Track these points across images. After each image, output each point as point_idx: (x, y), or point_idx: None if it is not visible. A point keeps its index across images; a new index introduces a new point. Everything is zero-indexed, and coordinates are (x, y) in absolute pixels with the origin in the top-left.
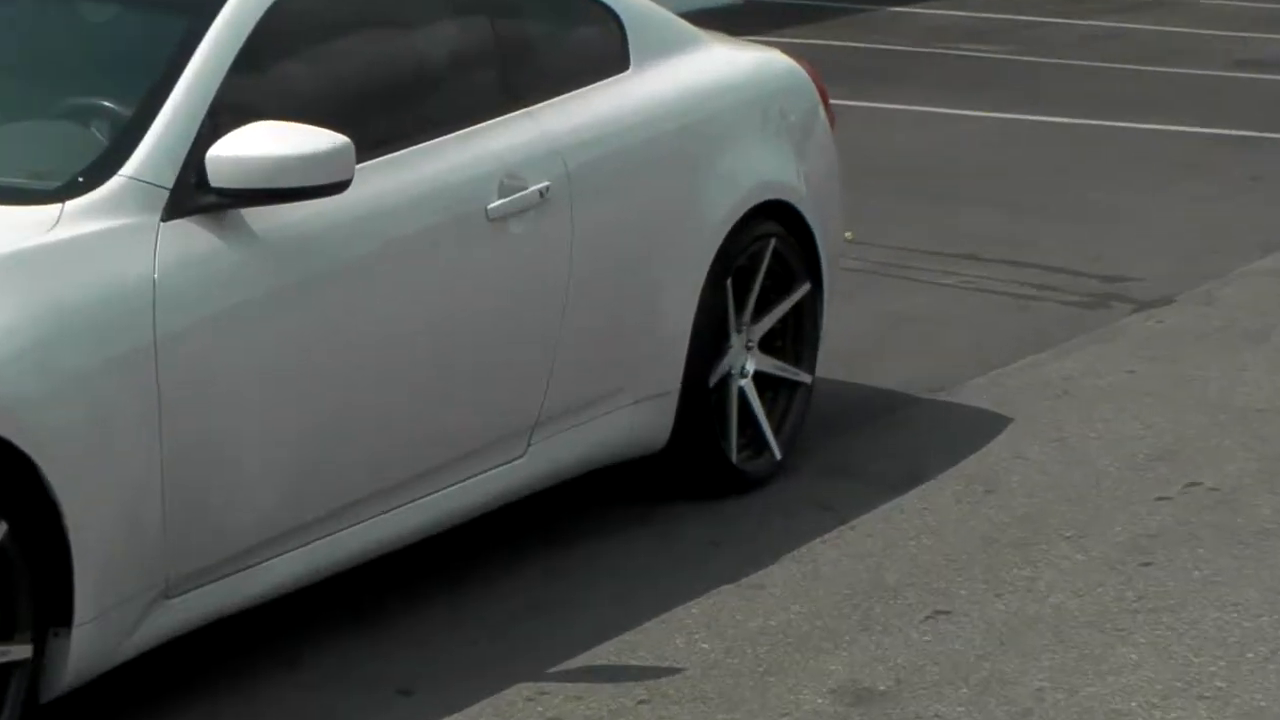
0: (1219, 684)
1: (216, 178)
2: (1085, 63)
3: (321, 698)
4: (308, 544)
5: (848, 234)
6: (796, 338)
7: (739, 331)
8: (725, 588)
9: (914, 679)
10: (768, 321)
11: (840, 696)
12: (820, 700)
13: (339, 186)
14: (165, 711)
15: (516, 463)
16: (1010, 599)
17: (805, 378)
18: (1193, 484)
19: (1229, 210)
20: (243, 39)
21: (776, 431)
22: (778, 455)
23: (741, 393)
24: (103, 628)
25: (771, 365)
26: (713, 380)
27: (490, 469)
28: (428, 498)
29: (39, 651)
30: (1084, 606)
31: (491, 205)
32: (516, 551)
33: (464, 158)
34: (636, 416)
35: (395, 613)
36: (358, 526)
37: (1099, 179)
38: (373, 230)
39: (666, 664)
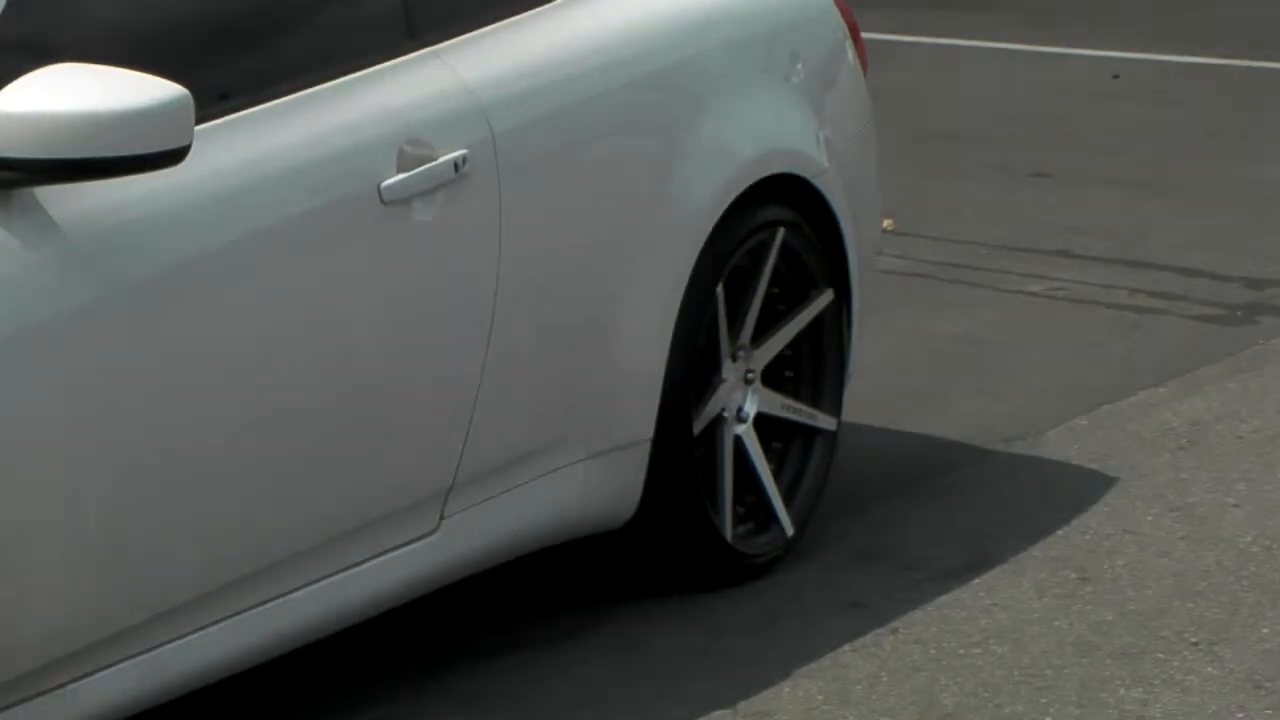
0: None
1: None
2: None
3: None
4: (127, 660)
5: (887, 222)
6: (815, 367)
7: (735, 359)
8: (718, 715)
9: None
10: (775, 345)
11: None
12: None
13: (172, 156)
14: None
15: (425, 541)
16: None
17: (828, 423)
18: None
19: None
20: None
21: (787, 498)
22: (789, 530)
23: (739, 443)
24: None
25: (781, 406)
26: (698, 427)
27: (387, 551)
28: (296, 593)
29: None
30: None
31: (386, 183)
32: (424, 674)
33: (347, 116)
34: (591, 478)
35: None
36: (196, 636)
37: (1254, 145)
38: (217, 219)
39: None
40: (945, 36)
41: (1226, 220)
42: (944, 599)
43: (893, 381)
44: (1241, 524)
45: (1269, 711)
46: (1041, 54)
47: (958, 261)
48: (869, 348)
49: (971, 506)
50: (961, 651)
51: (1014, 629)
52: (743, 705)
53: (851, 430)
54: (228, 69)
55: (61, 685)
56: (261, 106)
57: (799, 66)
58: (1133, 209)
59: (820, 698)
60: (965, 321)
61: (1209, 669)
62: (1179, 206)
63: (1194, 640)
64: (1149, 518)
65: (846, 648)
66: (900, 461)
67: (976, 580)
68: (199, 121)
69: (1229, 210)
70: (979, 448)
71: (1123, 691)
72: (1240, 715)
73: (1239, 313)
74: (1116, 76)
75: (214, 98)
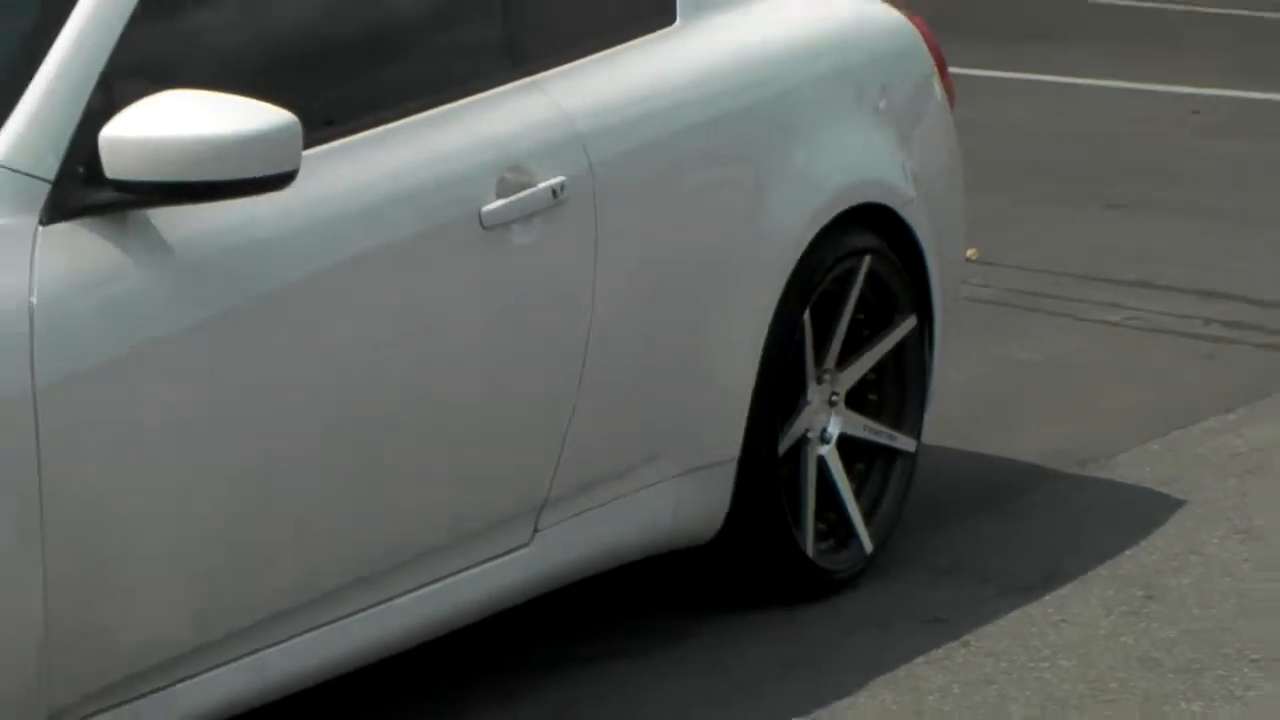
0: None
1: (114, 167)
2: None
3: None
4: (232, 662)
5: (971, 251)
6: (898, 391)
7: (820, 382)
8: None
9: None
10: (859, 368)
11: None
12: None
13: (281, 180)
14: None
15: (520, 553)
16: None
17: (908, 444)
18: None
19: None
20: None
21: (868, 516)
22: (868, 547)
23: (821, 463)
24: None
25: (863, 427)
26: (783, 447)
27: (483, 562)
28: (396, 601)
29: None
30: None
31: (486, 208)
32: (514, 688)
33: (449, 143)
34: (680, 494)
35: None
36: (300, 640)
37: (1236, 175)
38: (323, 242)
39: None
40: (1035, 72)
41: (1264, 245)
42: (1015, 614)
43: (973, 405)
44: None
45: None
46: (1127, 90)
47: (1039, 290)
48: (950, 372)
49: (1045, 526)
50: (1031, 665)
51: (1081, 644)
52: (820, 713)
53: (932, 451)
54: (334, 96)
55: (168, 686)
56: (367, 133)
57: (887, 98)
58: (1208, 240)
59: (895, 707)
60: (1044, 348)
61: (1268, 685)
62: (1254, 239)
63: (1255, 657)
64: (1214, 539)
65: (920, 660)
66: (978, 482)
67: (1047, 597)
68: (307, 146)
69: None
70: (1054, 470)
71: (1184, 705)
72: None
73: None
74: (1196, 112)
75: (321, 124)
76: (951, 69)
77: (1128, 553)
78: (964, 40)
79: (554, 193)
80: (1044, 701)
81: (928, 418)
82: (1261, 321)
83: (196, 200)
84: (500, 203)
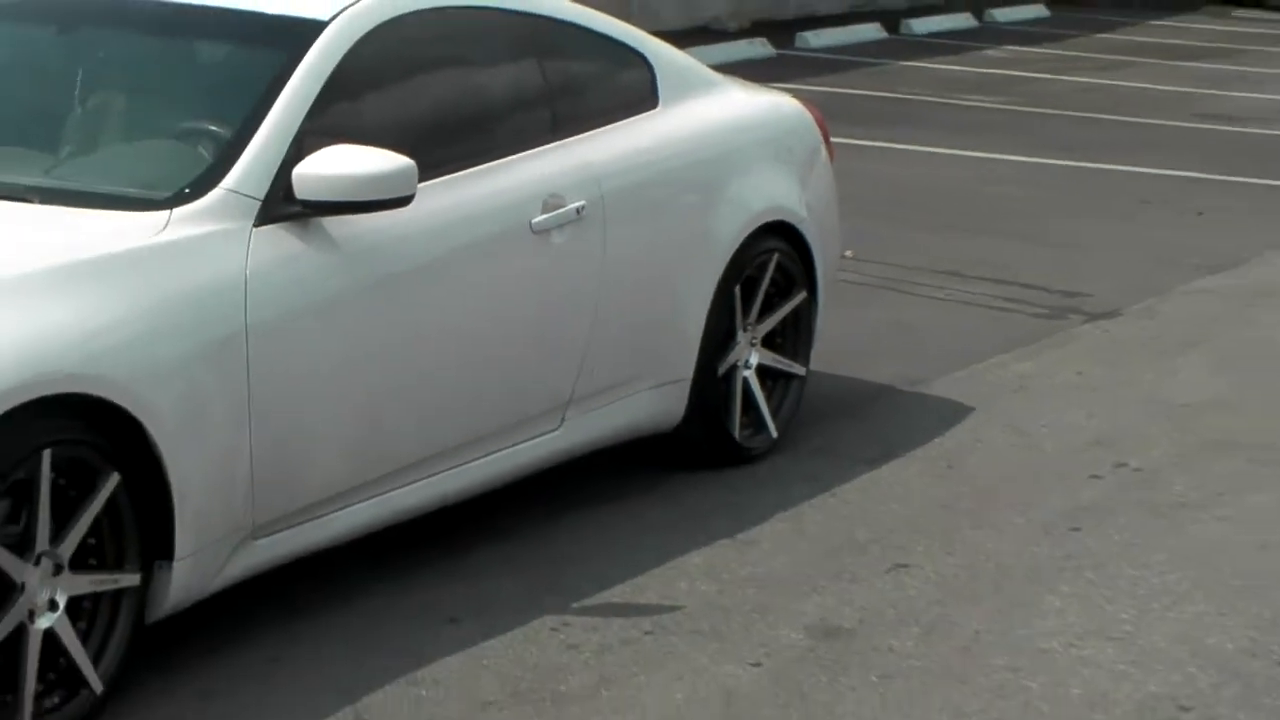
0: (1127, 628)
1: (301, 191)
2: (1068, 113)
3: (380, 624)
4: (371, 499)
5: (848, 252)
6: (794, 337)
7: (745, 330)
8: (723, 542)
9: (874, 619)
10: (770, 323)
11: (812, 632)
12: (796, 635)
13: (403, 201)
14: (243, 636)
15: (552, 435)
16: (960, 556)
17: (800, 370)
18: (1121, 465)
19: (1174, 239)
20: (327, 74)
21: (774, 414)
22: (774, 434)
23: (745, 381)
24: (198, 563)
25: (772, 359)
26: (721, 370)
27: (529, 439)
28: (475, 462)
29: (146, 580)
30: (1020, 564)
31: (535, 220)
32: (550, 513)
33: (513, 180)
34: (654, 399)
35: (447, 556)
36: (414, 485)
37: (1069, 211)
38: (433, 239)
39: (670, 603)
40: (893, 142)
41: (1050, 256)
42: (864, 477)
43: (848, 347)
44: (1046, 437)
45: (1053, 547)
46: (948, 154)
47: (893, 277)
48: (836, 327)
49: (885, 422)
50: (872, 508)
51: (905, 496)
52: (740, 536)
53: (819, 375)
54: (441, 150)
55: (328, 513)
56: (461, 173)
57: (790, 156)
58: (998, 248)
59: (786, 532)
60: (892, 313)
61: (1019, 520)
62: (1024, 247)
63: (1012, 505)
64: (992, 433)
65: (804, 504)
66: (847, 395)
67: (885, 467)
68: (422, 180)
69: (1053, 250)
70: (895, 388)
71: (967, 533)
72: (1035, 550)
73: (1056, 312)
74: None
75: (433, 167)
76: (850, 140)
77: (937, 440)
78: (852, 121)
79: (578, 211)
80: (879, 531)
81: (815, 353)
82: (1031, 299)
83: (350, 213)
84: (544, 216)
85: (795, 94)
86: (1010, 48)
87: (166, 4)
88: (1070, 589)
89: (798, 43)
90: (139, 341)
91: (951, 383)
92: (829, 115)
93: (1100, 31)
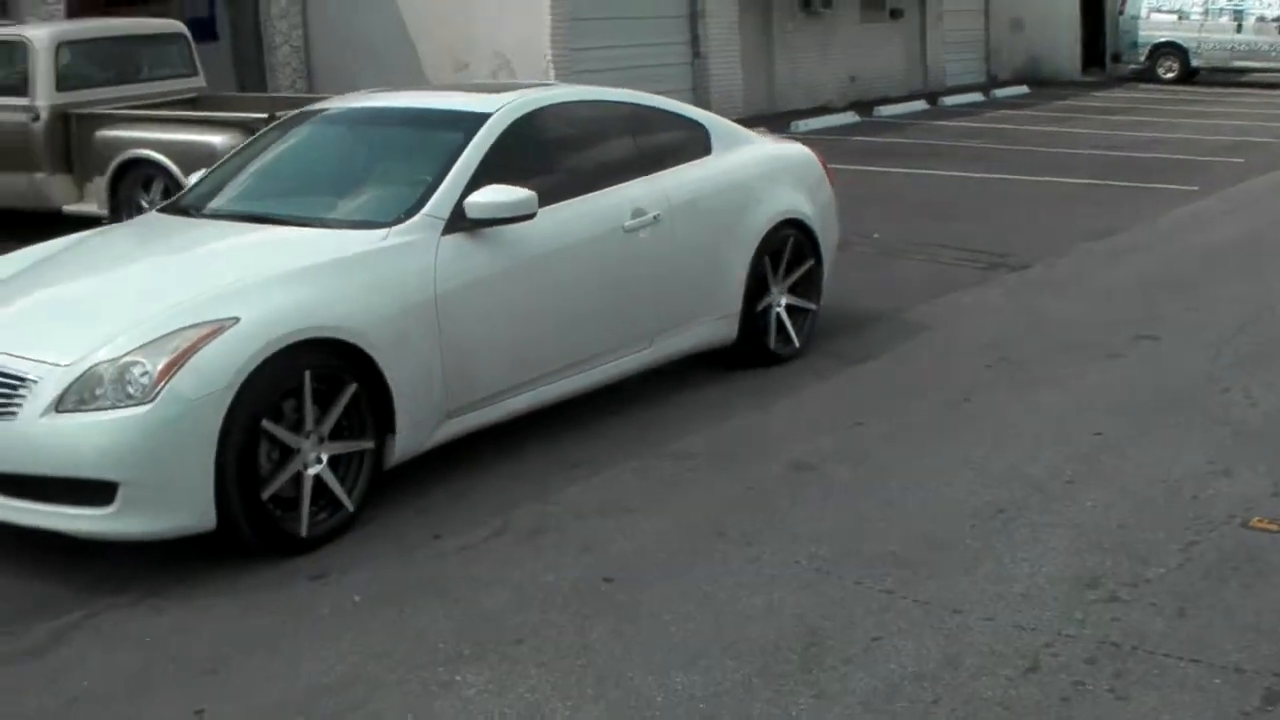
0: (984, 454)
1: (470, 213)
2: (1027, 148)
3: (528, 470)
4: (527, 391)
5: (875, 234)
6: (808, 287)
7: (776, 283)
8: (752, 410)
9: (831, 459)
10: (792, 279)
11: (789, 467)
12: (777, 469)
13: (528, 217)
14: (437, 479)
15: (646, 350)
16: (896, 418)
17: (813, 306)
18: (1003, 359)
19: (1073, 221)
20: (489, 145)
21: (798, 333)
22: (797, 345)
23: (778, 314)
24: (411, 434)
25: (794, 300)
26: (759, 308)
27: (631, 354)
28: (596, 368)
29: (379, 446)
30: (919, 424)
31: (626, 223)
32: (645, 397)
33: (612, 201)
34: (715, 327)
35: (575, 428)
36: (556, 383)
37: (1011, 204)
38: (554, 238)
39: (708, 446)
40: (920, 170)
41: (992, 232)
42: (850, 370)
43: (857, 290)
44: (960, 341)
45: (945, 411)
46: (952, 176)
47: (898, 249)
48: (856, 279)
49: (873, 335)
50: (847, 387)
51: (872, 380)
52: (762, 402)
53: (833, 308)
54: (560, 186)
55: (500, 400)
56: (579, 197)
57: (801, 179)
58: (960, 228)
59: (793, 403)
60: (893, 269)
61: (924, 400)
62: (976, 227)
63: (921, 387)
64: (935, 339)
65: (807, 388)
66: (851, 319)
67: (865, 364)
68: (554, 202)
69: (993, 227)
70: (883, 314)
71: (904, 402)
72: (927, 415)
73: (992, 266)
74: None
75: (556, 196)
76: (891, 169)
77: (900, 346)
78: (901, 158)
79: (655, 218)
80: (850, 401)
81: (832, 295)
82: (976, 259)
83: (497, 225)
84: (632, 221)
85: (870, 142)
86: (1003, 111)
87: (398, 108)
88: (954, 441)
89: (875, 113)
90: (365, 306)
91: (918, 310)
92: (890, 154)
93: (1058, 99)
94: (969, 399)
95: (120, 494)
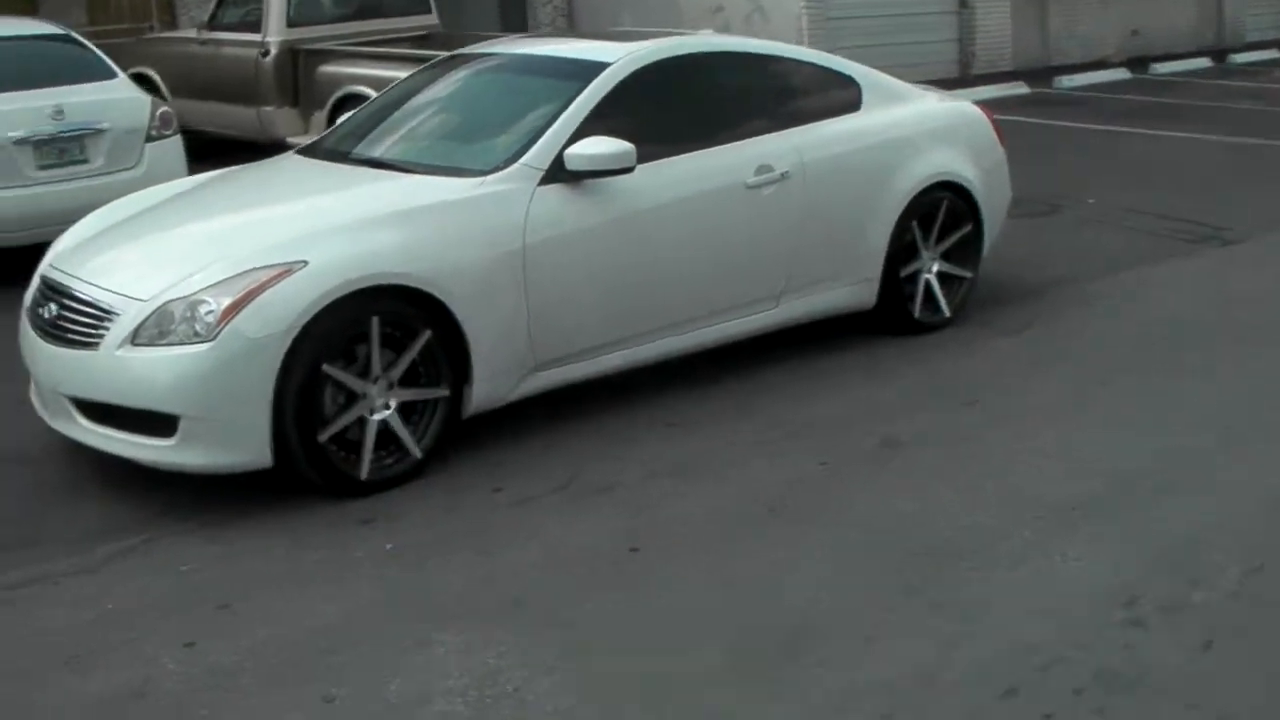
0: (1087, 455)
1: (568, 164)
2: (1263, 107)
3: (622, 427)
4: (622, 349)
5: (1090, 200)
6: (963, 253)
7: (928, 248)
8: (872, 381)
9: (924, 438)
10: (946, 244)
11: (879, 444)
12: (866, 445)
13: (625, 170)
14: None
15: (771, 311)
16: (1015, 397)
17: (968, 274)
18: (1167, 338)
19: None
20: (601, 95)
21: (949, 302)
22: (947, 314)
23: (927, 281)
24: (491, 384)
25: (947, 267)
26: (904, 274)
27: (751, 314)
28: (705, 328)
29: (455, 395)
30: (1036, 405)
31: (749, 180)
32: (781, 357)
33: (734, 156)
34: (851, 290)
35: (684, 385)
36: (655, 342)
37: (1254, 175)
38: (665, 192)
39: (807, 407)
40: (1140, 128)
41: (1210, 203)
42: (997, 342)
43: (1041, 258)
44: (1133, 315)
45: (1091, 394)
46: (1155, 134)
47: (1104, 217)
48: (1055, 245)
49: (1035, 306)
50: (983, 361)
51: (1013, 355)
52: (883, 376)
53: (1006, 274)
54: (673, 139)
55: (593, 356)
56: (690, 154)
57: (962, 139)
58: (1174, 197)
59: (916, 371)
60: (1091, 237)
61: (1076, 370)
62: (1192, 198)
63: (1082, 362)
64: (1098, 312)
65: (942, 359)
66: (1020, 287)
67: (1017, 336)
68: (668, 156)
69: (1212, 198)
70: (1054, 285)
71: (1035, 380)
72: (1069, 389)
73: (1201, 239)
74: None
75: (666, 149)
76: (1117, 128)
77: (1062, 319)
78: (1135, 121)
79: (782, 175)
80: (978, 375)
81: (1012, 260)
82: (1189, 231)
83: (596, 178)
84: (756, 178)
85: (1130, 100)
86: (1227, 83)
87: (533, 55)
88: (1074, 420)
89: (1150, 70)
90: (443, 254)
91: (1102, 282)
92: (1143, 115)
93: None
94: (1106, 382)
95: (181, 427)
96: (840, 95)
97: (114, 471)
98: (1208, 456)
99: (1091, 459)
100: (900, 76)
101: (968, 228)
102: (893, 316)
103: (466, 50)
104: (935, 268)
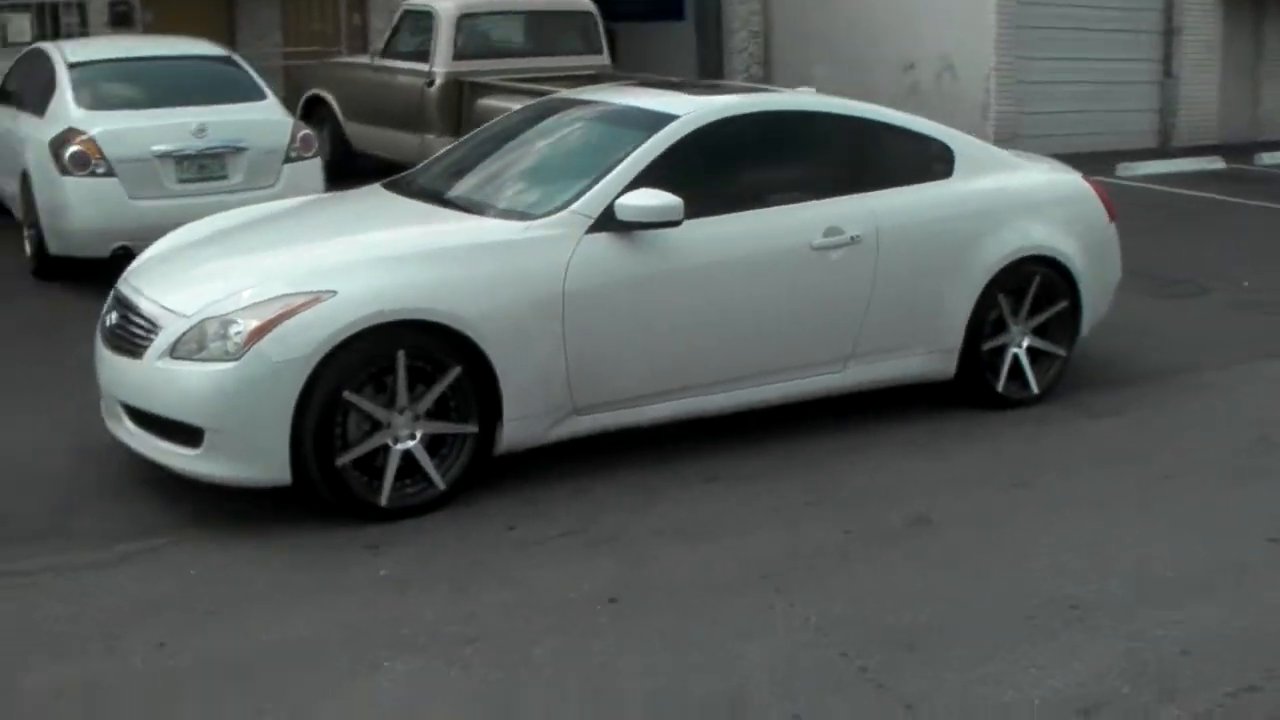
0: (1110, 554)
1: (620, 215)
2: None
3: (657, 484)
4: (669, 400)
5: (1245, 283)
6: (1059, 330)
7: (1017, 324)
8: (930, 443)
9: (952, 519)
10: (1039, 319)
11: (905, 520)
12: (894, 520)
13: (672, 224)
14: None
15: (836, 374)
16: (1067, 485)
17: (1061, 352)
18: (1262, 439)
19: None
20: (664, 148)
21: (1039, 379)
22: (1035, 391)
23: (1015, 355)
24: (524, 424)
25: (1040, 343)
26: (986, 347)
27: (814, 375)
28: (761, 386)
29: (485, 432)
30: (1086, 496)
31: (815, 241)
32: (842, 421)
33: (801, 216)
34: (927, 360)
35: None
36: (705, 396)
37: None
38: (719, 248)
39: (852, 474)
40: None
41: None
42: (1073, 424)
43: (1149, 342)
44: (1221, 417)
45: (1135, 493)
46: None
47: (1238, 301)
48: (1146, 331)
49: (1129, 392)
50: (1051, 442)
51: (1079, 439)
52: (946, 448)
53: (1111, 354)
54: (730, 196)
55: (636, 405)
56: (744, 212)
57: (1063, 213)
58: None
59: (982, 447)
60: (1210, 326)
61: (1140, 468)
62: None
63: (1146, 458)
64: (1185, 411)
65: (1010, 436)
66: (1118, 372)
67: (1099, 421)
68: (723, 214)
69: None
70: (1167, 370)
71: (1090, 471)
72: (1118, 484)
73: None
74: None
75: (722, 207)
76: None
77: (1158, 408)
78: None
79: (852, 239)
80: (1036, 459)
81: (1124, 340)
82: None
83: (645, 230)
84: (823, 239)
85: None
86: None
87: (612, 104)
88: (1119, 516)
89: None
90: (478, 294)
91: (1214, 373)
92: None
93: None
94: (1172, 477)
95: (206, 439)
96: (931, 161)
97: (157, 476)
98: (1245, 569)
99: (1118, 557)
100: (1092, 145)
101: (1063, 304)
102: (974, 389)
103: (561, 95)
104: (1025, 343)
